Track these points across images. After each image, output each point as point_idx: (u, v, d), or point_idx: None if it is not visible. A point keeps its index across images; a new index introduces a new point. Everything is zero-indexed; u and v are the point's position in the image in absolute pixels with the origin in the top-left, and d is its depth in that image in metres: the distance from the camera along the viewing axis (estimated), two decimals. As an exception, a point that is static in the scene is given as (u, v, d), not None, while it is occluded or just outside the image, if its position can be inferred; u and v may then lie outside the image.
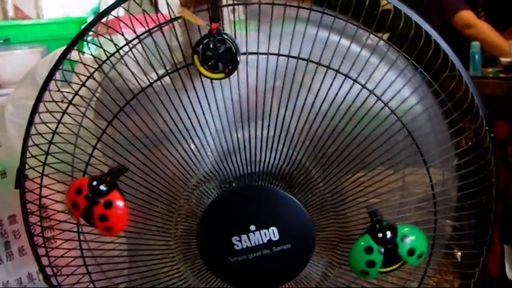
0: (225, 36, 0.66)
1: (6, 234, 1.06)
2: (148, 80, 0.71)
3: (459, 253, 0.91)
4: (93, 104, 0.76)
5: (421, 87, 0.73)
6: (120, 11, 0.72)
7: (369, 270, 0.69)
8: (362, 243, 0.68)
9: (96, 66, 0.73)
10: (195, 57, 0.66)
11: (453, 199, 0.76)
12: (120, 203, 0.70)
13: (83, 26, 1.68)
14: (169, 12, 0.71)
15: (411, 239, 0.68)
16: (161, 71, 0.72)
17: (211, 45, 0.66)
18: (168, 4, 0.70)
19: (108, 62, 0.73)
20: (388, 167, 0.72)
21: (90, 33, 0.73)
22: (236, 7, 0.75)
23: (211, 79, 0.68)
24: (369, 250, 0.68)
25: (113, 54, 0.72)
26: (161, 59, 0.70)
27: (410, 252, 0.68)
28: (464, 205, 0.76)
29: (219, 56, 0.66)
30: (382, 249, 0.68)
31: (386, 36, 0.72)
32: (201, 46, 0.66)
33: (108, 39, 0.72)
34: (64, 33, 1.58)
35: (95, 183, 0.69)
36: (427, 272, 0.77)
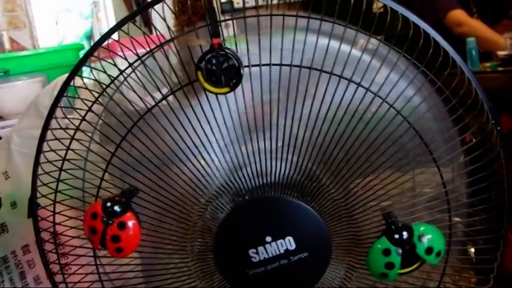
0: (227, 51, 0.66)
1: (20, 265, 1.06)
2: (153, 99, 0.71)
3: (472, 249, 0.91)
4: (99, 128, 0.76)
5: (424, 86, 0.73)
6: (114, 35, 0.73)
7: (388, 273, 0.68)
8: (379, 245, 0.68)
9: (99, 90, 0.74)
10: (199, 73, 0.67)
11: (465, 196, 0.76)
12: (133, 224, 0.70)
13: (81, 52, 1.70)
14: (169, 33, 0.71)
15: (428, 237, 0.68)
16: (164, 91, 0.72)
17: (214, 61, 0.66)
18: (168, 27, 0.71)
19: (111, 85, 0.73)
20: (398, 169, 0.73)
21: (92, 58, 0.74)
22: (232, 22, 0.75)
23: (217, 94, 0.68)
24: (387, 252, 0.68)
25: (116, 78, 0.73)
26: (165, 78, 0.71)
27: (429, 250, 0.68)
28: (476, 201, 0.76)
29: (223, 70, 0.66)
30: (400, 250, 0.67)
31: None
32: (203, 62, 0.66)
33: (110, 63, 0.72)
34: (62, 61, 1.60)
35: (109, 204, 0.69)
36: (445, 270, 0.76)
